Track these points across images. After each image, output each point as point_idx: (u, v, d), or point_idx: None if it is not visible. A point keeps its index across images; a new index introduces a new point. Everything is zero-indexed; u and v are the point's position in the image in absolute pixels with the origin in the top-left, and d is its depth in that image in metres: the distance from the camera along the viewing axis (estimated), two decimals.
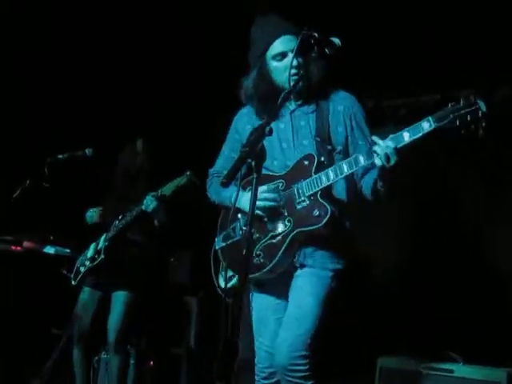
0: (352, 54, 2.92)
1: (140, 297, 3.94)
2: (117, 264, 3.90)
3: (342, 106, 2.61)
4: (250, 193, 2.43)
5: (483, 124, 2.17)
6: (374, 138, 2.38)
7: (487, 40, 4.03)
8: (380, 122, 4.42)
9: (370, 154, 2.39)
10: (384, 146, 2.31)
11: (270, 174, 2.62)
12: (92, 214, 4.07)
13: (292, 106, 2.66)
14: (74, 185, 4.56)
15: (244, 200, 2.57)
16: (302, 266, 2.57)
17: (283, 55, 2.55)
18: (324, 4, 4.24)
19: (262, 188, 2.54)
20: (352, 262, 2.63)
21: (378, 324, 4.34)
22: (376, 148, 2.34)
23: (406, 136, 2.29)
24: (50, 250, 4.71)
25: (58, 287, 4.26)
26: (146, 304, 4.44)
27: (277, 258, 2.52)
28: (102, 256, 3.85)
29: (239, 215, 2.68)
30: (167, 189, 3.67)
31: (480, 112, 2.17)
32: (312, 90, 2.60)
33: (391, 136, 2.33)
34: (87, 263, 3.95)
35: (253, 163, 2.11)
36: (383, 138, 2.36)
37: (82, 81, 5.10)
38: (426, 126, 2.25)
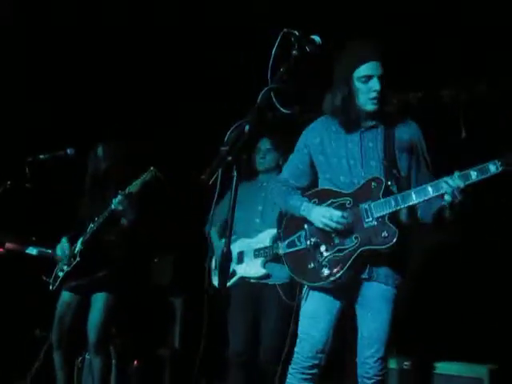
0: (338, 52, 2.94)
1: (119, 297, 3.94)
2: (94, 266, 3.91)
3: (408, 134, 2.80)
4: (320, 209, 2.77)
5: None
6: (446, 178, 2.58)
7: (467, 38, 4.06)
8: None
9: (438, 187, 2.60)
10: (454, 185, 2.53)
11: (338, 190, 2.79)
12: (62, 247, 4.04)
13: (363, 127, 2.81)
14: (56, 185, 4.53)
15: (314, 215, 2.77)
16: (369, 279, 2.75)
17: (369, 77, 2.71)
18: (307, 4, 4.26)
19: (337, 213, 2.73)
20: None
21: None
22: (444, 185, 2.55)
23: (474, 175, 2.52)
24: (32, 250, 4.68)
25: (42, 288, 4.22)
26: (130, 305, 4.42)
27: (342, 271, 2.69)
28: (78, 259, 3.89)
29: (306, 225, 2.83)
30: (133, 186, 3.75)
31: None
32: (381, 115, 2.77)
33: (458, 174, 2.54)
34: (65, 268, 3.96)
35: (232, 161, 2.10)
36: None
37: (63, 81, 5.06)
38: (493, 168, 2.49)
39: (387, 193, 2.68)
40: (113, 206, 3.78)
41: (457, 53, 4.10)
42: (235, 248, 3.88)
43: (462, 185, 2.52)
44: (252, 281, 3.79)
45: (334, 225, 2.71)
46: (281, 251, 2.96)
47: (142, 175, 3.74)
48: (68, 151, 4.07)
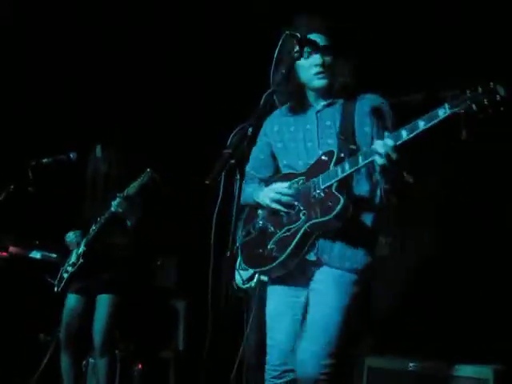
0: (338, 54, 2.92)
1: (124, 299, 3.95)
2: (99, 267, 3.91)
3: (369, 106, 2.58)
4: (267, 187, 2.60)
5: (501, 109, 2.09)
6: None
7: (470, 40, 4.05)
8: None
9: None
10: (383, 144, 2.28)
11: (294, 172, 2.63)
12: (72, 237, 4.05)
13: (319, 106, 2.65)
14: (59, 188, 4.53)
15: (261, 194, 2.61)
16: (319, 261, 2.53)
17: (309, 53, 2.55)
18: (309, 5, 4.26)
19: (281, 184, 2.57)
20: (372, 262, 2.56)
21: (365, 323, 4.35)
22: (375, 145, 2.31)
23: (422, 124, 2.22)
24: (36, 254, 4.68)
25: (46, 292, 4.23)
26: (134, 307, 4.42)
27: (288, 251, 2.49)
28: (81, 260, 3.89)
29: (259, 211, 2.68)
30: (131, 188, 3.76)
31: (498, 96, 2.09)
32: (337, 90, 2.59)
33: (404, 127, 2.27)
34: (69, 269, 3.96)
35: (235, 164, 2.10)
36: None
37: (65, 84, 5.07)
38: (442, 112, 2.18)
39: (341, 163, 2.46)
40: (112, 209, 3.79)
41: (457, 54, 4.10)
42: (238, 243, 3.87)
43: (391, 143, 2.25)
44: None
45: (277, 196, 2.53)
46: (237, 243, 2.73)
47: (140, 177, 3.75)
48: (71, 155, 4.08)
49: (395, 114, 2.64)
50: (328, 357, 2.43)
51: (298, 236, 2.48)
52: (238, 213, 2.30)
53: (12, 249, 4.63)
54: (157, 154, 4.80)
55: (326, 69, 2.55)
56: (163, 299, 5.02)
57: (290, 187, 2.56)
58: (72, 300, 3.95)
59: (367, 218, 2.56)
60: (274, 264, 2.53)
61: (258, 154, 2.81)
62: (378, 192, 2.55)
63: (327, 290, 2.49)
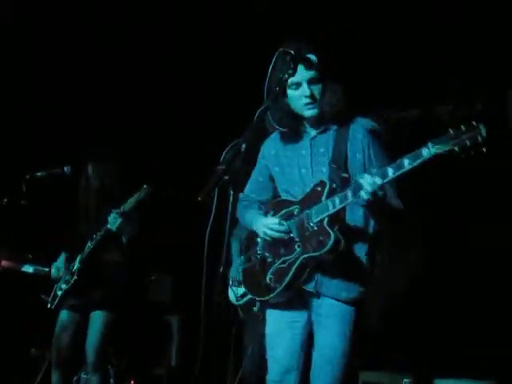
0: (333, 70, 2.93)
1: (118, 316, 3.93)
2: (93, 284, 3.91)
3: (361, 133, 2.62)
4: (261, 220, 2.68)
5: (483, 150, 2.14)
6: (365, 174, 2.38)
7: (465, 55, 4.08)
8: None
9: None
10: (372, 182, 2.33)
11: (290, 199, 2.69)
12: (57, 266, 4.04)
13: (313, 132, 2.69)
14: (53, 202, 4.52)
15: (258, 224, 2.68)
16: (318, 293, 2.60)
17: (298, 84, 2.58)
18: (305, 16, 4.29)
19: (273, 219, 2.64)
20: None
21: (359, 338, 4.33)
22: (362, 182, 2.35)
23: (406, 163, 2.27)
24: (28, 268, 4.66)
25: (38, 307, 4.20)
26: (127, 323, 4.39)
27: (285, 283, 2.57)
28: (75, 277, 3.88)
29: (258, 239, 2.74)
30: (128, 205, 3.75)
31: (480, 137, 2.13)
32: (329, 117, 2.63)
33: (390, 165, 2.32)
34: (63, 286, 3.95)
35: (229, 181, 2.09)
36: None
37: (61, 98, 5.07)
38: (426, 152, 2.23)
39: (333, 196, 2.50)
40: (108, 226, 3.78)
41: (454, 68, 4.12)
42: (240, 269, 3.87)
43: (379, 182, 2.30)
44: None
45: (270, 232, 2.60)
46: (240, 268, 2.84)
47: (136, 193, 3.74)
48: (65, 169, 4.07)
49: (392, 130, 2.67)
50: None
51: (294, 268, 2.55)
52: (231, 229, 2.29)
53: (4, 263, 4.60)
54: (151, 168, 4.81)
55: (315, 99, 2.58)
56: (156, 315, 5.00)
57: (279, 223, 2.61)
58: (65, 316, 3.93)
59: (361, 249, 2.61)
60: (272, 295, 2.61)
61: (257, 176, 2.87)
62: (371, 219, 2.61)
63: (332, 324, 2.57)
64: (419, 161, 2.24)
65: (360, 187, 2.36)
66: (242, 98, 4.33)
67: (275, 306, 2.72)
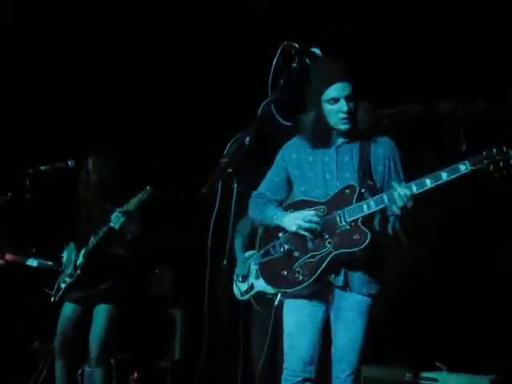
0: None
1: (122, 310, 3.96)
2: (98, 278, 3.94)
3: (383, 149, 2.86)
4: (293, 213, 2.79)
5: None
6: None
7: (468, 51, 4.08)
8: None
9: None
10: (405, 191, 2.58)
11: (313, 200, 2.84)
12: (66, 254, 4.09)
13: (339, 141, 2.87)
14: (57, 196, 4.53)
15: (287, 219, 2.80)
16: (344, 287, 2.76)
17: (336, 100, 2.77)
18: (305, 16, 4.29)
19: (309, 212, 2.77)
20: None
21: None
22: (398, 188, 2.60)
23: (444, 175, 2.55)
24: (32, 262, 4.67)
25: (42, 300, 4.22)
26: (131, 316, 4.41)
27: (316, 275, 2.71)
28: (79, 271, 3.93)
29: (280, 234, 2.85)
30: (131, 205, 3.79)
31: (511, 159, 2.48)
32: (357, 133, 2.84)
33: (424, 179, 2.59)
34: (67, 280, 3.99)
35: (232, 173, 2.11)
36: None
37: (63, 93, 5.08)
38: (463, 168, 2.53)
39: (361, 200, 2.72)
40: (111, 224, 3.82)
41: (456, 65, 4.12)
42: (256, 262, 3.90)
43: (409, 192, 2.58)
44: (269, 296, 3.80)
45: (307, 225, 2.74)
46: (255, 262, 2.97)
47: (139, 194, 3.77)
48: (69, 163, 4.09)
49: (394, 126, 2.80)
50: (356, 376, 2.77)
51: (326, 262, 2.70)
52: (235, 221, 2.30)
53: (9, 256, 4.62)
54: (152, 164, 4.82)
55: (351, 114, 2.78)
56: (160, 308, 5.01)
57: (316, 215, 2.76)
58: (69, 309, 3.97)
59: (380, 249, 2.82)
60: (300, 287, 2.74)
61: (273, 176, 3.01)
62: (390, 226, 2.83)
63: (354, 318, 2.75)
64: (456, 175, 2.52)
65: (394, 193, 2.60)
66: (242, 98, 4.36)
67: (296, 298, 2.82)
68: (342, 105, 2.76)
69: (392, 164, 2.85)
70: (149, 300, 5.03)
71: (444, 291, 4.17)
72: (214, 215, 2.36)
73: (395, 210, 2.62)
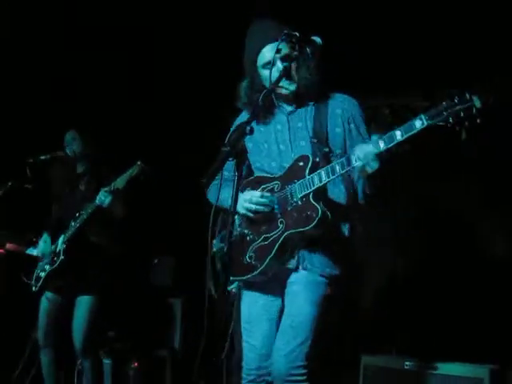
0: (336, 54, 2.92)
1: (104, 301, 3.84)
2: (79, 268, 3.79)
3: (340, 108, 2.59)
4: (242, 195, 2.53)
5: (477, 121, 2.09)
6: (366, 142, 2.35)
7: (471, 42, 4.06)
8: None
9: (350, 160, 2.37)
10: (367, 151, 2.29)
11: (267, 175, 2.62)
12: (42, 244, 3.95)
13: (289, 108, 2.64)
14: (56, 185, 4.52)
15: (241, 201, 2.54)
16: (297, 269, 2.53)
17: (272, 63, 2.50)
18: (309, 5, 4.26)
19: (255, 193, 2.55)
20: (349, 267, 2.59)
21: (361, 322, 4.36)
22: (357, 151, 2.32)
23: (399, 134, 2.23)
24: (32, 251, 4.67)
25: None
26: (129, 306, 4.41)
27: (267, 260, 2.49)
28: (62, 257, 3.73)
29: (236, 217, 2.62)
30: (120, 181, 3.58)
31: (474, 108, 2.09)
32: (306, 93, 2.58)
33: (382, 136, 2.28)
34: (47, 267, 3.83)
35: (234, 162, 2.10)
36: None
37: (63, 82, 5.07)
38: (419, 124, 2.19)
39: (316, 170, 2.45)
40: (97, 202, 3.61)
41: (458, 55, 4.11)
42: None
43: (374, 151, 2.26)
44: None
45: (253, 207, 2.51)
46: (213, 248, 2.68)
47: (128, 170, 3.57)
48: (68, 152, 4.06)
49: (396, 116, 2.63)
50: (301, 359, 2.44)
51: (277, 245, 2.48)
52: (235, 211, 2.29)
53: (9, 245, 4.62)
54: (150, 148, 4.79)
55: (290, 75, 2.52)
56: (159, 298, 5.02)
57: (262, 196, 2.53)
58: (49, 298, 3.84)
59: (344, 224, 2.57)
60: (254, 273, 2.52)
61: None
62: (356, 190, 2.55)
63: (300, 289, 2.50)
64: (412, 132, 2.20)
65: (350, 160, 2.33)
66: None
67: (251, 287, 2.62)
68: (278, 67, 2.49)
69: (352, 125, 2.56)
70: (148, 289, 5.03)
71: (445, 281, 4.18)
72: (215, 205, 2.35)
73: (358, 174, 2.35)
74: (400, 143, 2.24)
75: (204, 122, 5.06)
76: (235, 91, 2.69)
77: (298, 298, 2.49)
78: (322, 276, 2.51)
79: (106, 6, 4.73)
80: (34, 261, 4.13)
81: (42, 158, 4.05)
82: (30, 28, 4.86)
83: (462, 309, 4.03)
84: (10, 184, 4.13)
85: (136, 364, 4.57)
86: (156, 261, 5.22)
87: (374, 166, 2.29)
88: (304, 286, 2.49)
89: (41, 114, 5.05)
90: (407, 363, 3.53)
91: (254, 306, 2.62)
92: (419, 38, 4.18)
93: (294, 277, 2.54)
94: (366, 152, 2.28)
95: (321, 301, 2.49)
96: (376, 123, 4.37)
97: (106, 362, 4.37)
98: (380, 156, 2.28)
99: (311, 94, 2.60)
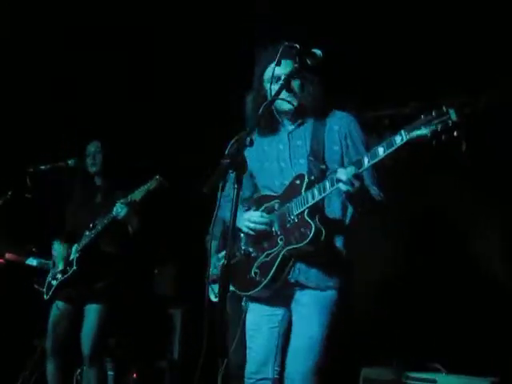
0: (336, 65, 2.93)
1: (114, 309, 3.88)
2: (90, 277, 3.84)
3: (338, 125, 2.66)
4: (244, 214, 2.65)
5: (454, 134, 2.12)
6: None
7: (468, 51, 4.07)
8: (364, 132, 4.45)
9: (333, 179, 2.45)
10: (345, 172, 2.36)
11: (270, 193, 2.71)
12: (60, 247, 3.98)
13: (291, 126, 2.72)
14: (57, 195, 4.53)
15: (241, 219, 2.65)
16: (298, 283, 2.63)
17: (278, 78, 2.58)
18: (309, 5, 4.29)
19: (255, 212, 2.66)
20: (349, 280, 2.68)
21: (361, 335, 4.34)
22: (339, 172, 2.38)
23: (381, 151, 2.30)
24: (32, 261, 4.68)
25: (41, 298, 4.21)
26: (129, 316, 4.40)
27: (270, 275, 2.60)
28: (74, 267, 3.79)
29: (241, 234, 2.74)
30: (137, 194, 3.65)
31: (450, 121, 2.12)
32: (308, 109, 2.65)
33: (367, 153, 2.35)
34: (59, 276, 3.88)
35: (234, 174, 2.11)
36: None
37: (64, 92, 5.08)
38: (399, 139, 2.24)
39: (311, 188, 2.53)
40: (114, 214, 3.68)
41: (457, 63, 4.12)
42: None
43: (353, 171, 2.33)
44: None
45: (252, 225, 2.62)
46: (220, 263, 2.83)
47: (147, 183, 3.64)
48: (69, 162, 4.07)
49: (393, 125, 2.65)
50: (315, 375, 2.56)
51: (278, 261, 2.59)
52: (235, 222, 2.29)
53: (8, 255, 4.62)
54: (155, 161, 4.80)
55: (294, 93, 2.59)
56: (159, 308, 5.01)
57: (261, 216, 2.64)
58: (60, 306, 3.87)
59: (339, 239, 2.64)
60: (258, 288, 2.63)
61: None
62: (349, 210, 2.64)
63: (309, 312, 2.61)
64: (393, 148, 2.25)
65: (337, 178, 2.39)
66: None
67: (257, 300, 2.73)
68: (279, 79, 2.56)
69: (349, 141, 2.62)
70: (148, 299, 5.03)
71: (445, 293, 4.17)
72: (215, 216, 2.36)
73: (343, 189, 2.38)
74: (387, 156, 2.29)
75: (204, 122, 5.08)
76: (235, 91, 2.78)
77: (308, 321, 2.60)
78: (327, 290, 2.60)
79: (106, 6, 4.75)
80: (34, 270, 4.15)
81: (42, 167, 4.07)
82: (29, 28, 4.88)
83: (462, 321, 4.02)
84: (10, 193, 4.13)
85: (135, 374, 4.56)
86: (157, 271, 5.22)
87: (356, 184, 2.36)
88: (313, 308, 2.60)
89: (41, 123, 5.06)
90: (406, 376, 3.52)
91: (257, 316, 2.74)
92: (415, 48, 4.20)
93: (299, 295, 2.64)
94: (346, 173, 2.36)
95: (330, 321, 2.60)
96: (377, 134, 4.38)
97: (110, 373, 4.36)
98: (357, 177, 2.35)
99: (313, 111, 2.66)
